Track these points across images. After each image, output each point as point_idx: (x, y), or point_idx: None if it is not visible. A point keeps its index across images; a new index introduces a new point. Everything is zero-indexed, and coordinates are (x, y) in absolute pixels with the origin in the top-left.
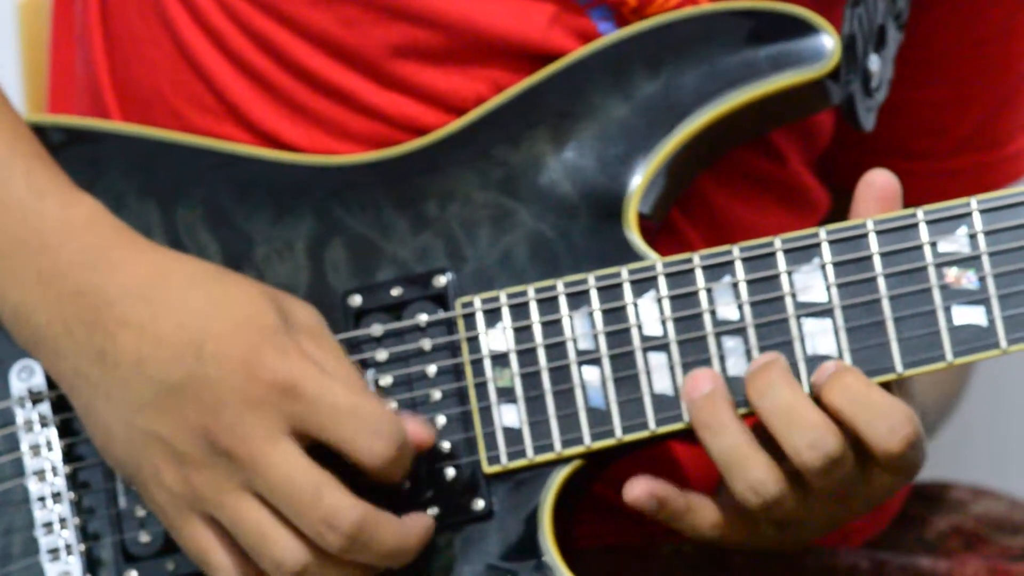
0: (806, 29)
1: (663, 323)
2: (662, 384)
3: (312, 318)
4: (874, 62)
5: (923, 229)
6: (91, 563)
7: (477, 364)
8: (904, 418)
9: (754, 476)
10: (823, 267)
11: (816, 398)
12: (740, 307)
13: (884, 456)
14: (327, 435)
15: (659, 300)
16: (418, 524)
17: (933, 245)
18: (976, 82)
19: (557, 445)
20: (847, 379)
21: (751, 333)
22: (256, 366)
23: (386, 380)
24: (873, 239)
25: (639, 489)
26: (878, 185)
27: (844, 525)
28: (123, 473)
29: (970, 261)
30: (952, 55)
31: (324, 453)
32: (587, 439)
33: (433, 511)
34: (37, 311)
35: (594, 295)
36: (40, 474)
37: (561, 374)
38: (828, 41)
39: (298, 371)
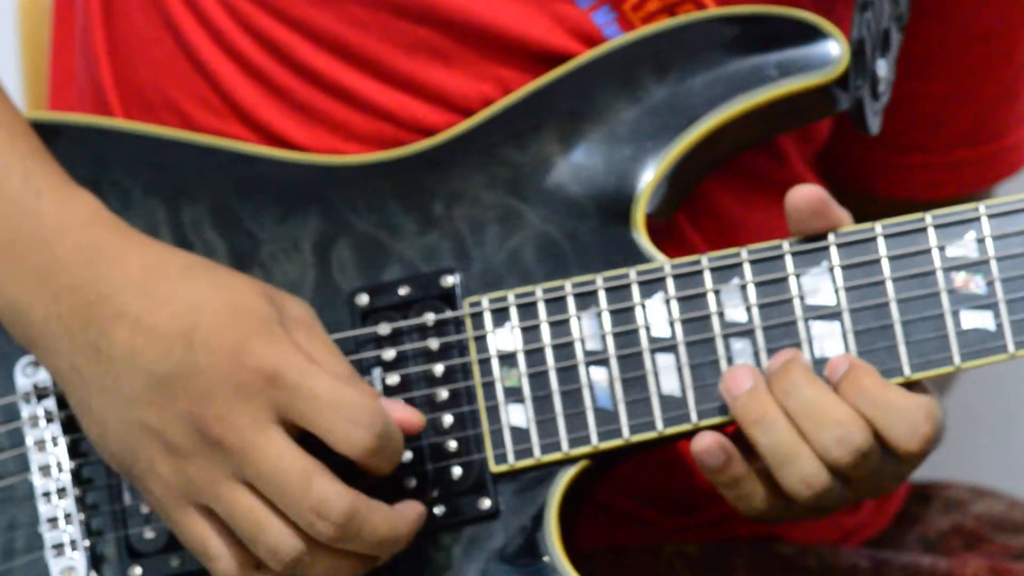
0: (815, 35)
1: (671, 324)
2: (670, 385)
3: (304, 311)
4: (882, 67)
5: (931, 233)
6: (95, 559)
7: (484, 363)
8: (922, 416)
9: (808, 469)
10: (831, 270)
11: None
12: (748, 309)
13: (906, 455)
14: (307, 423)
15: (667, 301)
16: (410, 512)
17: (941, 249)
18: (975, 74)
19: (564, 445)
20: (863, 382)
21: (759, 335)
22: (243, 353)
23: (393, 379)
24: (881, 243)
25: (709, 438)
26: (802, 208)
27: (878, 497)
28: (118, 467)
29: (978, 265)
30: (951, 48)
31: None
32: (594, 439)
33: (439, 510)
34: (33, 308)
35: (602, 296)
36: (45, 470)
37: (569, 374)
38: (836, 47)
39: (283, 359)
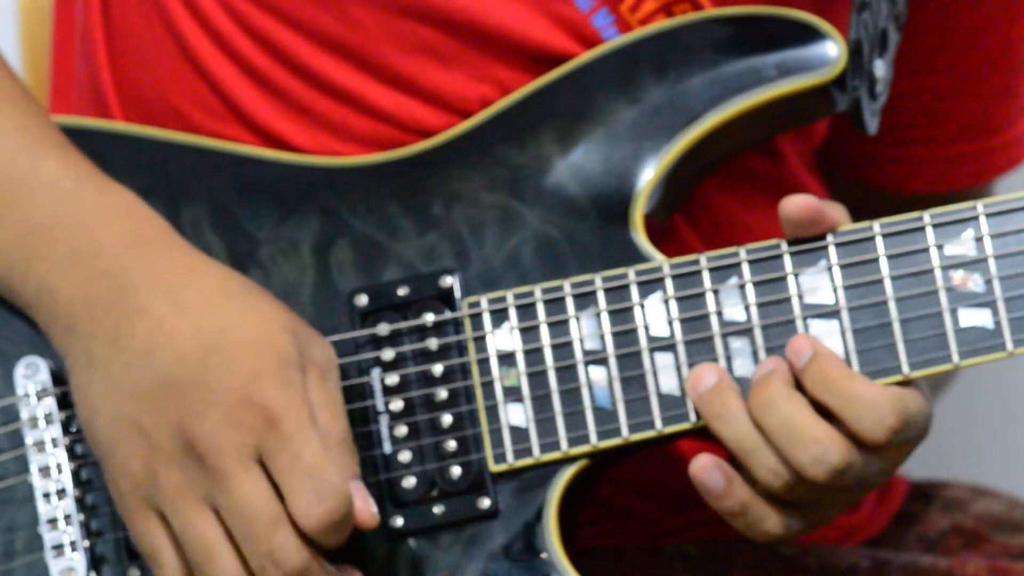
0: (813, 35)
1: (670, 324)
2: (668, 384)
3: (325, 356)
4: (879, 67)
5: (929, 232)
6: (95, 560)
7: (483, 363)
8: (888, 408)
9: (772, 460)
10: (830, 269)
11: (797, 382)
12: (747, 308)
13: (873, 446)
14: (279, 476)
15: (666, 301)
16: None
17: (939, 248)
18: (975, 69)
19: (563, 444)
20: (829, 371)
21: (758, 334)
22: (253, 387)
23: (392, 379)
24: (880, 242)
25: (705, 458)
26: (795, 219)
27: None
28: (97, 452)
29: (976, 264)
30: (952, 43)
31: None
32: (593, 438)
33: (439, 509)
34: (62, 287)
35: (601, 296)
36: (44, 471)
37: (568, 374)
38: (834, 47)
39: (287, 406)
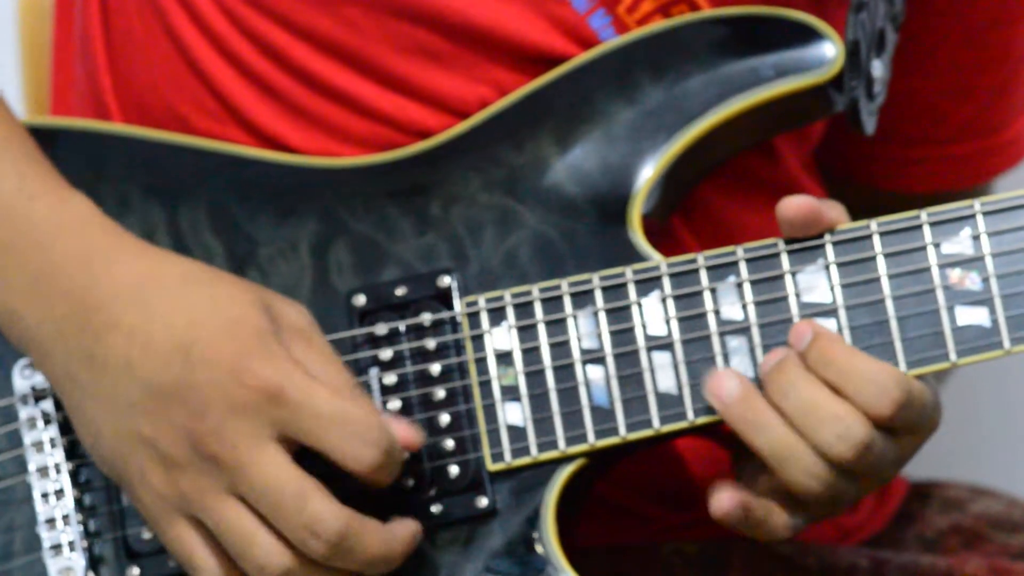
0: (810, 35)
1: (667, 322)
2: (666, 383)
3: (302, 318)
4: (877, 67)
5: (927, 230)
6: (93, 559)
7: (481, 362)
8: (892, 382)
9: (809, 462)
10: (827, 267)
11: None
12: (744, 307)
13: (879, 421)
14: (312, 441)
15: (663, 300)
16: (404, 531)
17: (937, 246)
18: (975, 68)
19: (561, 443)
20: (830, 349)
21: (755, 333)
22: (243, 371)
23: (390, 379)
24: (877, 240)
25: (728, 502)
26: (793, 219)
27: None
28: (110, 472)
29: (973, 262)
30: (950, 42)
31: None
32: (591, 437)
33: (437, 508)
34: (28, 313)
35: (598, 295)
36: (43, 471)
37: (565, 372)
38: (831, 48)
39: (284, 376)
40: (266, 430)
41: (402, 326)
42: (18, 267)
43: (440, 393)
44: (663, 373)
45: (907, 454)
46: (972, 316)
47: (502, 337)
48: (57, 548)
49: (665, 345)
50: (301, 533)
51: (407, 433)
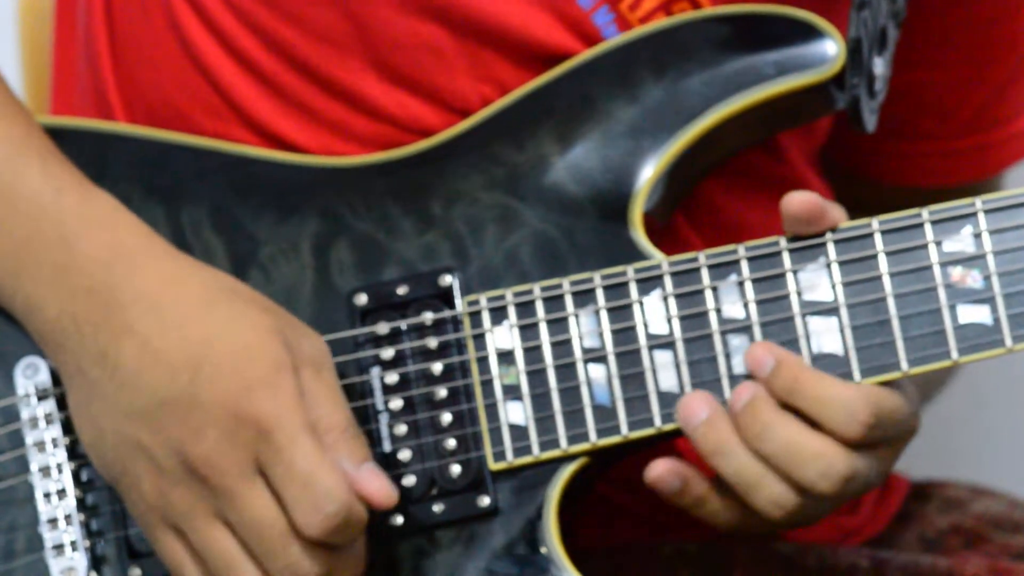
0: (812, 33)
1: (669, 321)
2: (668, 382)
3: (317, 351)
4: (878, 65)
5: (928, 228)
6: (95, 559)
7: (483, 361)
8: (860, 404)
9: (776, 491)
10: (829, 266)
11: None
12: (746, 305)
13: (852, 443)
14: (275, 486)
15: (665, 298)
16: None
17: (938, 244)
18: (979, 63)
19: (563, 442)
20: (795, 376)
21: (757, 331)
22: (244, 399)
23: (392, 378)
24: (878, 238)
25: (663, 466)
26: (798, 215)
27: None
28: (106, 473)
29: (975, 260)
30: (955, 36)
31: None
32: (593, 436)
33: (438, 508)
34: (48, 304)
35: (600, 294)
36: (45, 471)
37: (567, 372)
38: (832, 45)
39: (278, 416)
40: (252, 463)
41: (404, 325)
42: (43, 259)
43: (442, 392)
44: (665, 372)
45: (890, 465)
46: (973, 314)
47: (504, 336)
48: (59, 548)
49: (667, 344)
50: (282, 572)
51: (380, 493)
